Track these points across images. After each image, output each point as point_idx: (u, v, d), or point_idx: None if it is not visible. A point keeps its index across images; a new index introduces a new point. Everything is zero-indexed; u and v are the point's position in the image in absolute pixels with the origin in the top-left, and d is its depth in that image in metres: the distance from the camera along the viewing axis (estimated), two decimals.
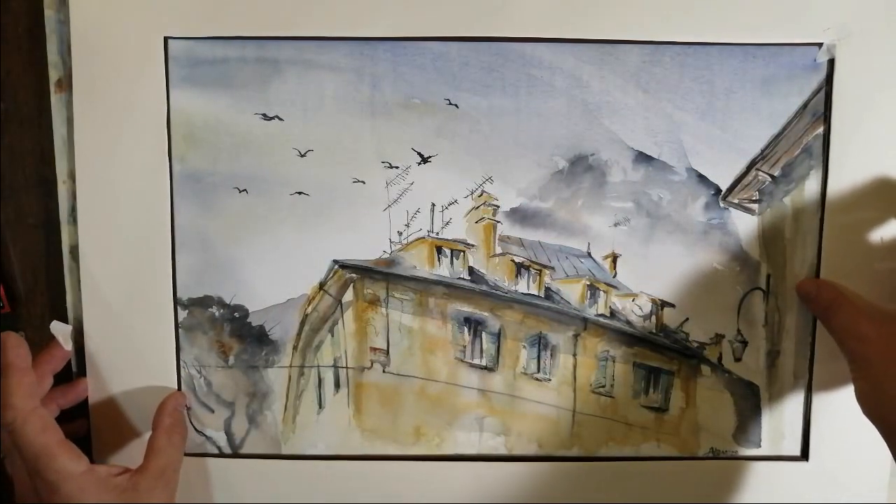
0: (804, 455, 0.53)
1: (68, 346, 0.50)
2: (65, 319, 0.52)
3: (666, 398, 0.54)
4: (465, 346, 0.53)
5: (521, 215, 0.52)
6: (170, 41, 0.49)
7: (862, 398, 0.47)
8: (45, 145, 0.51)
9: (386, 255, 0.52)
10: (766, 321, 0.52)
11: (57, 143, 0.50)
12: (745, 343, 0.53)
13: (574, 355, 0.53)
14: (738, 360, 0.53)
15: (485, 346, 0.53)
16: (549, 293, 0.53)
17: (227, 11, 0.49)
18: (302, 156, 0.51)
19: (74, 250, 0.51)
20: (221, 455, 0.53)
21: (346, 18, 0.49)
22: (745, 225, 0.52)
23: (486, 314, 0.53)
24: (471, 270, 0.52)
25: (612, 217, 0.52)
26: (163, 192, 0.50)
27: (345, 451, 0.53)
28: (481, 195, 0.51)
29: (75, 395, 0.51)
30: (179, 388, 0.52)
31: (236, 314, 0.52)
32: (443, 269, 0.52)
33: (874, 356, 0.46)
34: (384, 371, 0.53)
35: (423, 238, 0.52)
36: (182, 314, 0.52)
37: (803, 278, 0.51)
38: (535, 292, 0.53)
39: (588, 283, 0.52)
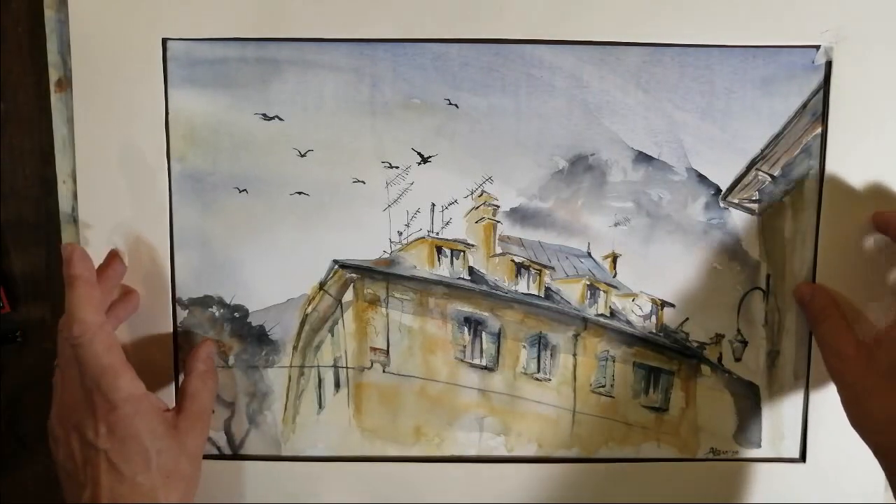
0: (802, 456, 0.53)
1: (125, 260, 0.50)
2: None
3: (666, 398, 0.54)
4: (465, 346, 0.53)
5: (521, 215, 0.52)
6: (168, 42, 0.49)
7: (846, 411, 0.47)
8: (46, 145, 0.51)
9: (386, 255, 0.52)
10: (766, 321, 0.52)
11: (57, 143, 0.50)
12: (745, 343, 0.53)
13: (574, 355, 0.53)
14: (738, 360, 0.53)
15: (485, 346, 0.53)
16: (549, 293, 0.53)
17: (226, 13, 0.49)
18: (302, 156, 0.51)
19: None
20: (221, 456, 0.53)
21: (346, 19, 0.49)
22: (745, 225, 0.52)
23: (486, 314, 0.53)
24: (471, 270, 0.52)
25: (612, 217, 0.52)
26: (162, 192, 0.50)
27: (345, 452, 0.53)
28: (481, 195, 0.51)
29: (131, 309, 0.50)
30: (177, 389, 0.52)
31: (236, 314, 0.52)
32: (443, 269, 0.52)
33: (849, 375, 0.46)
34: (384, 371, 0.53)
35: (423, 238, 0.52)
36: (182, 314, 0.52)
37: (801, 282, 0.51)
38: (535, 292, 0.53)
39: (588, 283, 0.52)
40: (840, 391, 0.48)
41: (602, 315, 0.53)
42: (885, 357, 0.45)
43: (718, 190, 0.51)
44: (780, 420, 0.53)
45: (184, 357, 0.51)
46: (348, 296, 0.52)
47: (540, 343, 0.53)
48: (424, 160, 0.51)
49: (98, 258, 0.50)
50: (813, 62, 0.49)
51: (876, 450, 0.46)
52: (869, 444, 0.46)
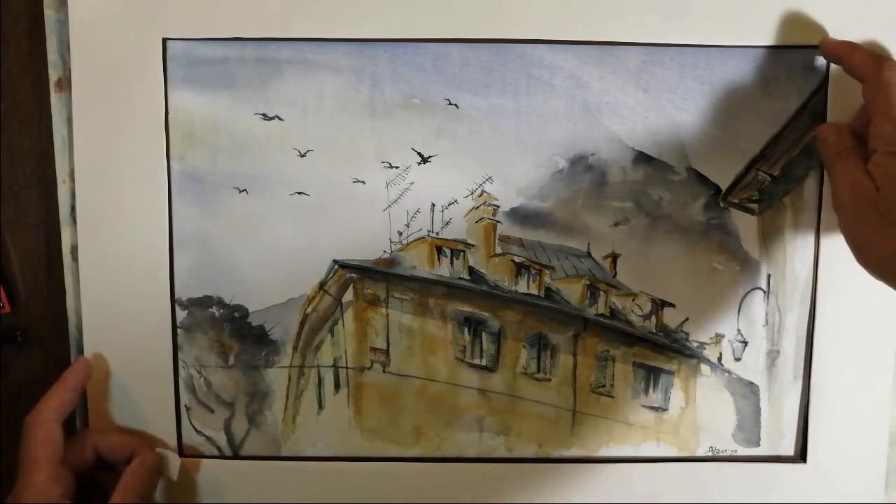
0: (802, 456, 0.53)
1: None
2: (65, 319, 0.52)
3: (666, 398, 0.54)
4: (465, 346, 0.53)
5: (521, 215, 0.52)
6: (168, 41, 0.49)
7: (853, 249, 0.46)
8: (45, 145, 0.51)
9: (386, 255, 0.52)
10: (766, 321, 0.53)
11: (57, 143, 0.50)
12: (745, 343, 0.53)
13: (574, 355, 0.53)
14: (738, 359, 0.53)
15: (485, 346, 0.53)
16: (549, 293, 0.53)
17: (226, 13, 0.49)
18: (302, 156, 0.50)
19: (74, 250, 0.51)
20: (221, 455, 0.53)
21: (346, 19, 0.49)
22: (745, 225, 0.52)
23: (486, 314, 0.53)
24: (471, 270, 0.52)
25: (612, 217, 0.52)
26: (162, 192, 0.50)
27: (345, 452, 0.53)
28: (481, 195, 0.51)
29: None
30: (177, 388, 0.52)
31: (236, 314, 0.52)
32: (443, 269, 0.52)
33: (862, 208, 0.44)
34: (384, 371, 0.53)
35: (423, 238, 0.52)
36: (182, 314, 0.52)
37: (825, 124, 0.49)
38: (535, 292, 0.53)
39: (588, 282, 0.52)
40: (846, 229, 0.46)
41: (602, 315, 0.53)
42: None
43: (718, 190, 0.51)
44: (779, 419, 0.53)
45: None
46: (348, 296, 0.52)
47: (540, 343, 0.53)
48: (424, 160, 0.51)
49: (100, 259, 0.50)
50: (813, 63, 0.49)
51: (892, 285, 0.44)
52: (884, 281, 0.44)
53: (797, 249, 0.52)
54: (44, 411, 0.47)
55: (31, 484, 0.45)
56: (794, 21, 0.49)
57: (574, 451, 0.54)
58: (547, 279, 0.52)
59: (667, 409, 0.54)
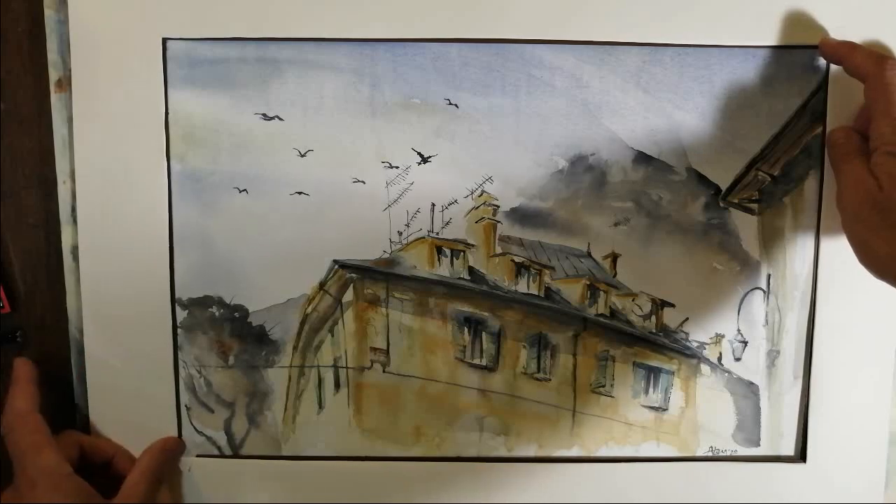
0: (802, 456, 0.53)
1: None
2: (65, 319, 0.52)
3: (666, 398, 0.54)
4: (465, 346, 0.53)
5: (521, 215, 0.52)
6: (168, 41, 0.49)
7: (854, 248, 0.46)
8: (45, 145, 0.51)
9: (386, 255, 0.52)
10: (766, 321, 0.53)
11: (57, 143, 0.50)
12: (745, 343, 0.53)
13: (574, 355, 0.53)
14: (738, 359, 0.53)
15: (485, 346, 0.53)
16: (549, 293, 0.53)
17: (226, 13, 0.49)
18: (302, 156, 0.51)
19: (74, 250, 0.51)
20: (221, 455, 0.53)
21: (346, 19, 0.49)
22: (745, 225, 0.52)
23: (486, 314, 0.53)
24: (471, 270, 0.52)
25: (612, 217, 0.52)
26: (162, 192, 0.50)
27: (345, 451, 0.53)
28: (481, 195, 0.51)
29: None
30: (178, 388, 0.52)
31: (236, 314, 0.52)
32: (443, 269, 0.52)
33: (864, 207, 0.44)
34: (384, 371, 0.53)
35: (423, 238, 0.52)
36: (182, 314, 0.52)
37: (837, 127, 0.49)
38: (535, 292, 0.53)
39: (588, 282, 0.52)
40: (848, 229, 0.46)
41: (602, 315, 0.53)
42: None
43: (718, 190, 0.51)
44: (779, 419, 0.53)
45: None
46: (348, 296, 0.52)
47: (540, 343, 0.53)
48: (424, 160, 0.51)
49: (100, 259, 0.50)
50: (813, 63, 0.49)
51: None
52: (885, 281, 0.44)
53: (797, 249, 0.52)
54: (18, 405, 0.47)
55: (41, 466, 0.44)
56: (794, 21, 0.49)
57: (574, 451, 0.54)
58: (547, 279, 0.52)
59: (667, 409, 0.54)
